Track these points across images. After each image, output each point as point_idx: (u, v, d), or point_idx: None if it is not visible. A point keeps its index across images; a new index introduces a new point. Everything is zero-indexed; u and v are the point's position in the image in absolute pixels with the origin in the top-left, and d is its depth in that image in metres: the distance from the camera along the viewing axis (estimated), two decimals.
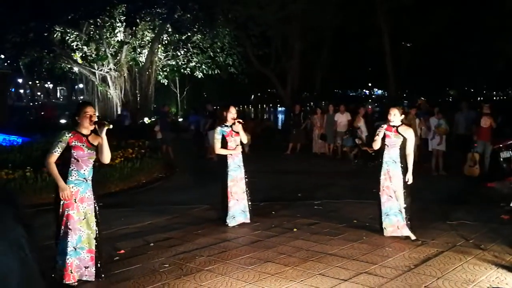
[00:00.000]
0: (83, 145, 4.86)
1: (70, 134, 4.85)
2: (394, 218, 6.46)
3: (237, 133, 7.27)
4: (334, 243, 6.29)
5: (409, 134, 6.47)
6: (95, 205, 5.02)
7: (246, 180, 7.36)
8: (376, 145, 6.55)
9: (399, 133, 6.42)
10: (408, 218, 6.42)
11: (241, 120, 7.24)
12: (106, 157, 4.98)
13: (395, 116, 6.43)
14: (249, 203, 7.38)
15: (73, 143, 4.84)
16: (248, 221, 7.34)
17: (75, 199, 4.85)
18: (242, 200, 7.31)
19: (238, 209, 7.29)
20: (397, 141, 6.44)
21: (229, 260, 5.66)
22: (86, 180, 4.92)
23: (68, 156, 4.85)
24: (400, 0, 20.02)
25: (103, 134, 4.84)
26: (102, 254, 5.16)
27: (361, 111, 15.30)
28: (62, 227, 4.81)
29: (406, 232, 6.41)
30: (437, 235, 6.62)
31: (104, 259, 5.25)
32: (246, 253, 5.91)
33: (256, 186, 9.78)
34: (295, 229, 7.00)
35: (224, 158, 7.33)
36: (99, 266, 5.01)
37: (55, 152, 4.79)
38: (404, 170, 6.41)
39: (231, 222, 7.23)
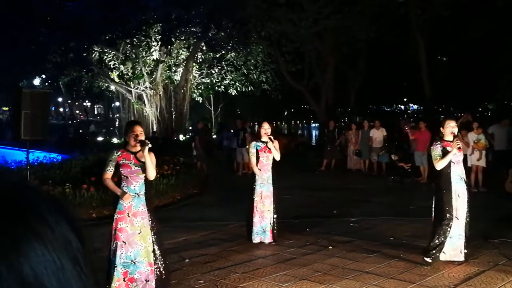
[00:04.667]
0: (130, 163, 5.07)
1: (119, 153, 5.12)
2: (458, 242, 6.03)
3: (270, 150, 7.27)
4: (371, 261, 6.18)
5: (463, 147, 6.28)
6: (151, 219, 5.12)
7: (274, 200, 7.26)
8: (443, 165, 5.99)
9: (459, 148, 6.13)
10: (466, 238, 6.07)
11: (271, 137, 7.23)
12: (150, 174, 5.09)
13: (456, 127, 6.15)
14: (274, 224, 7.23)
15: (122, 161, 5.08)
16: (268, 241, 7.21)
17: (128, 213, 5.01)
18: (265, 218, 7.24)
19: (260, 227, 7.24)
20: (461, 156, 6.16)
21: (264, 278, 5.62)
22: (138, 195, 5.09)
23: (119, 173, 5.11)
24: (437, 11, 19.74)
25: (145, 152, 4.97)
26: (167, 265, 5.17)
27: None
28: (116, 241, 4.96)
29: (458, 257, 6.05)
30: (478, 253, 6.41)
31: (167, 272, 5.20)
32: (281, 271, 5.87)
33: (290, 202, 9.78)
34: (330, 247, 6.91)
35: (253, 173, 7.38)
36: (163, 277, 5.07)
37: (108, 170, 5.11)
38: (467, 186, 6.14)
39: (255, 238, 7.21)
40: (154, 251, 5.05)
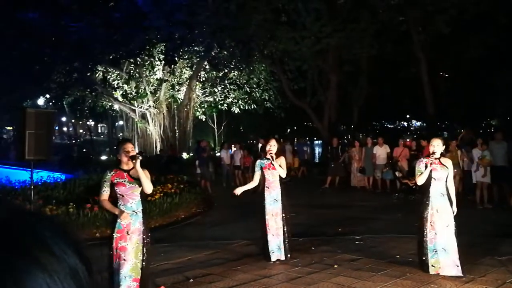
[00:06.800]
0: (124, 181, 5.09)
1: (112, 173, 5.15)
2: (442, 256, 6.18)
3: (274, 166, 7.25)
4: (377, 280, 6.12)
5: (450, 164, 6.40)
6: (145, 236, 5.14)
7: (283, 216, 7.24)
8: (422, 180, 6.36)
9: (444, 165, 6.29)
10: (458, 254, 6.13)
11: (273, 155, 7.18)
12: (146, 188, 5.12)
13: (438, 146, 6.30)
14: (286, 240, 7.21)
15: (116, 180, 5.10)
16: (283, 258, 7.16)
17: (127, 231, 5.02)
18: (277, 236, 7.21)
19: (275, 244, 7.20)
20: (444, 173, 6.28)
21: None
22: (136, 213, 5.11)
23: (114, 193, 5.12)
24: (436, 28, 19.83)
25: (137, 166, 5.01)
26: (147, 284, 5.20)
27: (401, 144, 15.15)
28: (117, 260, 4.96)
29: (452, 271, 6.11)
30: (485, 271, 6.35)
31: None
32: None
33: (295, 220, 9.70)
34: (336, 265, 6.85)
35: (262, 191, 7.35)
36: None
37: (104, 192, 5.14)
38: (451, 203, 6.25)
39: (272, 257, 7.15)
40: (142, 267, 5.05)
